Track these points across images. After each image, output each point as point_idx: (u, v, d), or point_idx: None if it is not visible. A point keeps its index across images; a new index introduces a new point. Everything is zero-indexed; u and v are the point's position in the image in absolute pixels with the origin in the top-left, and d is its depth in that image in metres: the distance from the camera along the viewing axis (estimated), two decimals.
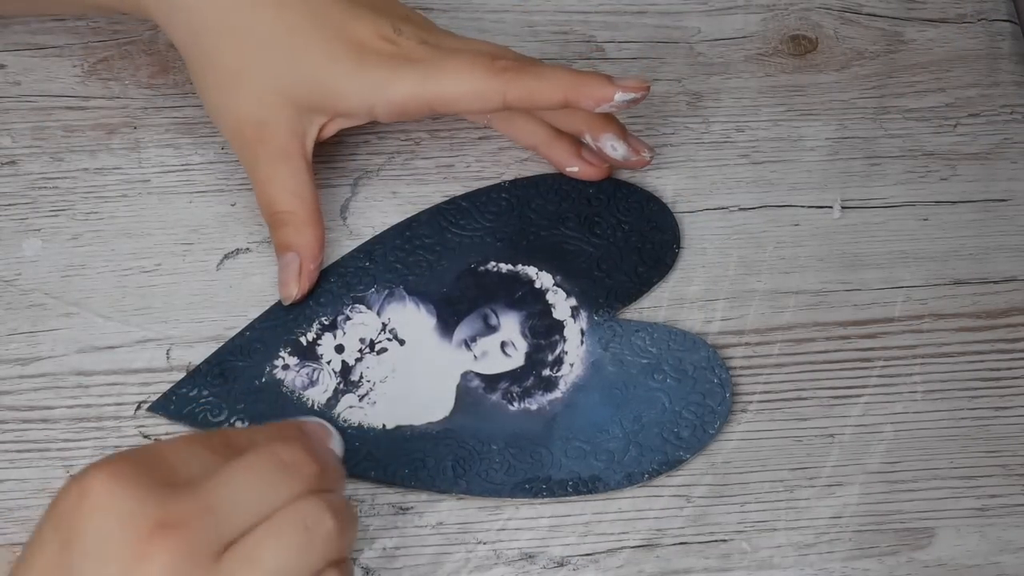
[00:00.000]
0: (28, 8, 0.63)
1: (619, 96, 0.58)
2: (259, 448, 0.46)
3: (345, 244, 0.62)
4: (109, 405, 0.59)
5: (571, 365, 0.60)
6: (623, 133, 0.62)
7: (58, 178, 0.63)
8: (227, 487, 0.45)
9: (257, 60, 0.58)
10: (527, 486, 0.57)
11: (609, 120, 0.62)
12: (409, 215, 0.63)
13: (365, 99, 0.58)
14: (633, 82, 0.58)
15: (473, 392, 0.59)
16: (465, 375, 0.60)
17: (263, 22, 0.58)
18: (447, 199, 0.63)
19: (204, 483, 0.45)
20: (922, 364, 0.61)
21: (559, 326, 0.61)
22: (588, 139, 0.62)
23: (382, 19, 0.59)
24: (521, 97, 0.58)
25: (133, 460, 0.45)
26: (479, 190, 0.63)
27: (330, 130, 0.60)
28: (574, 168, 0.63)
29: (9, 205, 0.63)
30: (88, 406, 0.59)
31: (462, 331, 0.60)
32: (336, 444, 0.52)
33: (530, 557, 0.57)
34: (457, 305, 0.61)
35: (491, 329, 0.61)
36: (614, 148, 0.62)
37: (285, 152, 0.59)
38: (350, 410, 0.58)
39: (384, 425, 0.58)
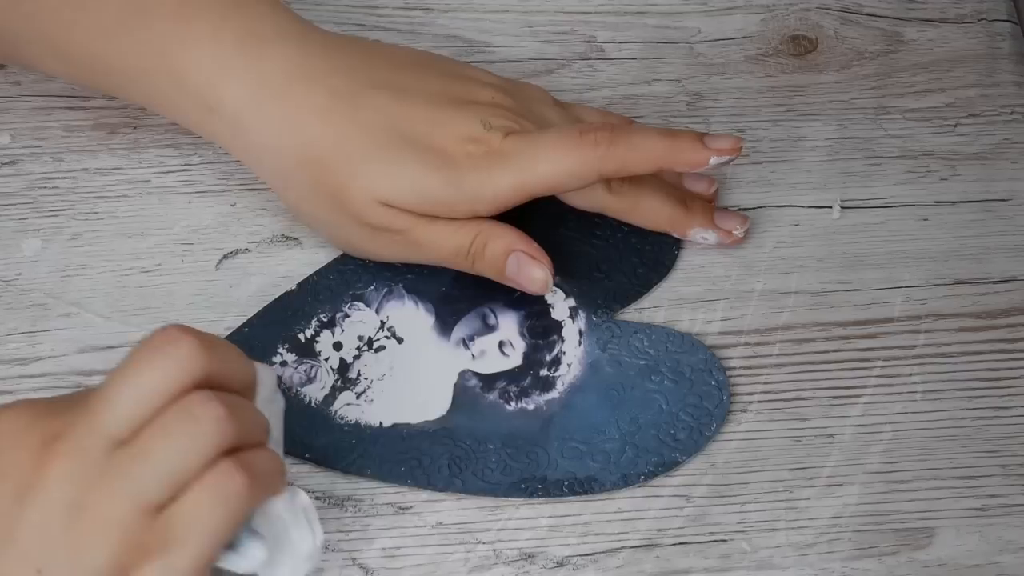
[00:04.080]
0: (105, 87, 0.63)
1: (713, 160, 0.58)
2: (136, 344, 0.47)
3: None
4: None
5: (569, 365, 0.60)
6: (709, 219, 0.62)
7: (58, 178, 0.64)
8: (107, 387, 0.46)
9: (356, 176, 0.58)
10: (523, 486, 0.57)
11: (693, 212, 0.62)
12: None
13: (467, 204, 0.58)
14: (727, 143, 0.59)
15: (470, 391, 0.59)
16: (463, 374, 0.60)
17: (352, 145, 0.58)
18: None
19: (86, 396, 0.47)
20: (922, 364, 0.61)
21: (557, 326, 0.61)
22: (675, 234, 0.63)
23: (466, 117, 0.59)
24: (616, 169, 0.58)
25: (34, 399, 0.48)
26: None
27: None
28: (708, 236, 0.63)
29: (9, 205, 0.63)
30: None
31: (460, 330, 0.60)
32: (264, 371, 0.52)
33: (530, 557, 0.57)
34: (456, 304, 0.61)
35: (489, 328, 0.61)
36: (705, 239, 0.62)
37: (416, 223, 0.59)
38: (347, 407, 0.59)
39: (381, 423, 0.58)
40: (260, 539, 0.48)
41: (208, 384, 0.47)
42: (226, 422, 0.47)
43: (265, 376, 0.51)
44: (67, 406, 0.47)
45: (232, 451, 0.47)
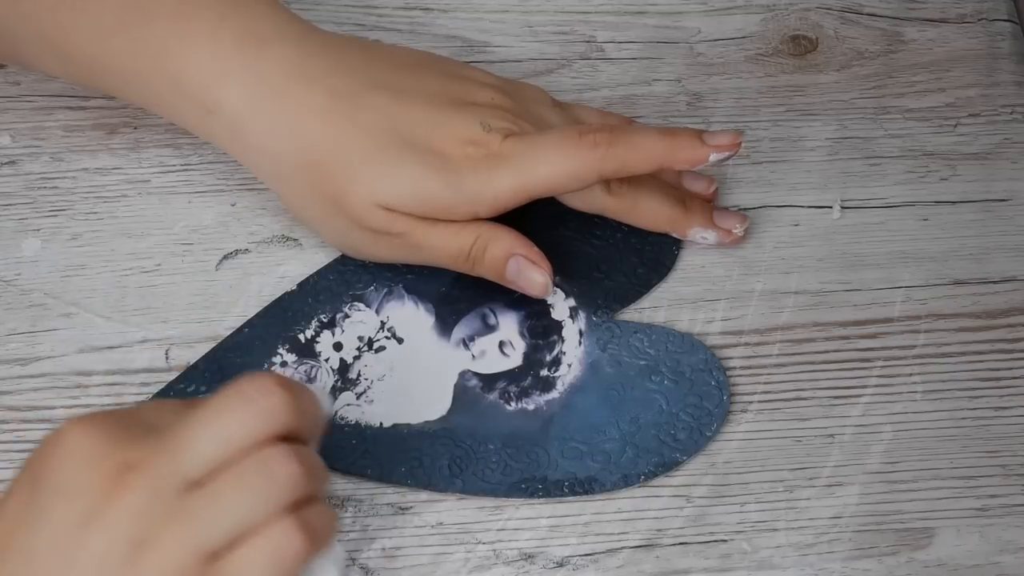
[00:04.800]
0: (94, 84, 0.62)
1: (713, 157, 0.58)
2: (226, 389, 0.47)
3: None
4: (109, 405, 0.59)
5: (569, 366, 0.60)
6: (709, 219, 0.62)
7: (58, 178, 0.64)
8: (190, 428, 0.46)
9: (356, 180, 0.58)
10: (523, 486, 0.57)
11: (693, 211, 0.62)
12: None
13: (467, 207, 0.58)
14: (726, 139, 0.59)
15: (471, 391, 0.59)
16: (463, 374, 0.60)
17: (352, 148, 0.58)
18: None
19: (169, 427, 0.46)
20: (922, 364, 0.61)
21: (557, 326, 0.61)
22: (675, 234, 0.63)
23: (465, 118, 0.59)
24: (616, 169, 0.58)
25: (107, 413, 0.47)
26: None
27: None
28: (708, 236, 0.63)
29: (9, 205, 0.63)
30: (88, 406, 0.59)
31: (460, 330, 0.60)
32: (324, 399, 0.52)
33: (530, 557, 0.57)
34: (456, 304, 0.61)
35: (489, 329, 0.61)
36: (705, 239, 0.62)
37: (417, 226, 0.59)
38: (347, 408, 0.59)
39: (381, 423, 0.58)
40: None
41: (286, 435, 0.47)
42: (300, 481, 0.46)
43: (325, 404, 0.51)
44: (144, 433, 0.46)
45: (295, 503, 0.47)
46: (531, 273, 0.59)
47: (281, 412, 0.47)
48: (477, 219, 0.59)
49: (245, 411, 0.46)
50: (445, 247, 0.59)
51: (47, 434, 0.47)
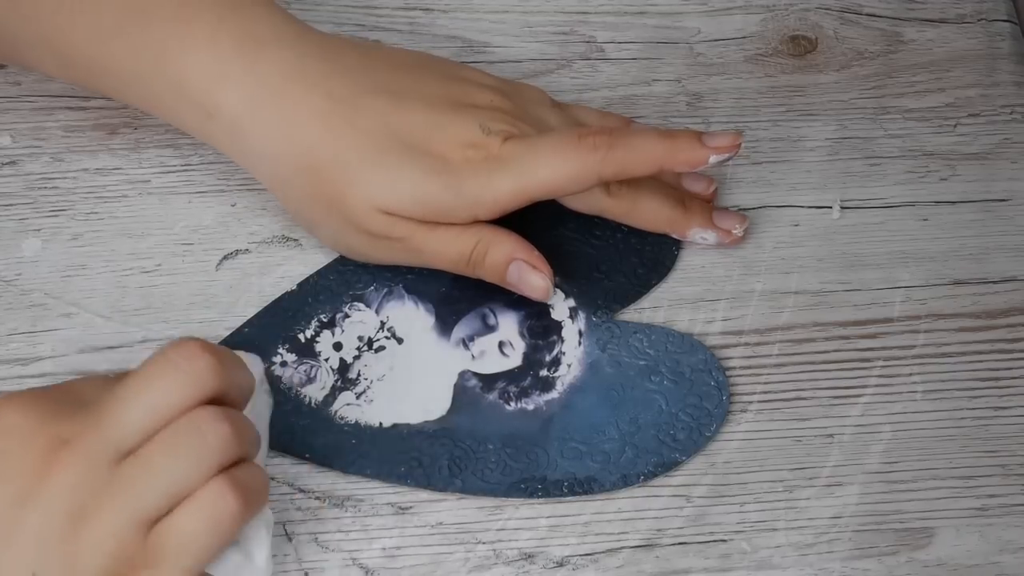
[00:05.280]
0: (90, 85, 0.62)
1: (713, 158, 0.58)
2: (152, 356, 0.47)
3: None
4: None
5: (568, 366, 0.60)
6: (708, 219, 0.62)
7: (58, 178, 0.64)
8: (119, 399, 0.47)
9: (355, 184, 0.58)
10: (523, 486, 0.57)
11: (692, 212, 0.62)
12: None
13: (467, 210, 0.58)
14: (725, 140, 0.59)
15: (470, 391, 0.59)
16: (463, 374, 0.60)
17: (351, 152, 0.58)
18: None
19: (98, 399, 0.47)
20: (921, 364, 0.61)
21: (557, 327, 0.61)
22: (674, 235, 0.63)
23: (464, 121, 0.59)
24: (616, 172, 0.58)
25: (38, 390, 0.48)
26: None
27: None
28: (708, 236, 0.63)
29: (9, 205, 0.63)
30: None
31: (460, 330, 0.60)
32: (254, 365, 0.52)
33: (529, 557, 0.57)
34: (456, 304, 0.61)
35: (489, 329, 0.61)
36: (704, 239, 0.62)
37: (417, 230, 0.59)
38: (347, 407, 0.59)
39: (381, 423, 0.58)
40: (235, 546, 0.49)
41: (215, 399, 0.48)
42: (231, 441, 0.47)
43: (255, 370, 0.51)
44: (75, 408, 0.47)
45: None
46: (532, 277, 0.59)
47: (208, 376, 0.47)
48: (477, 222, 0.59)
49: (172, 377, 0.47)
50: (445, 251, 0.59)
51: None
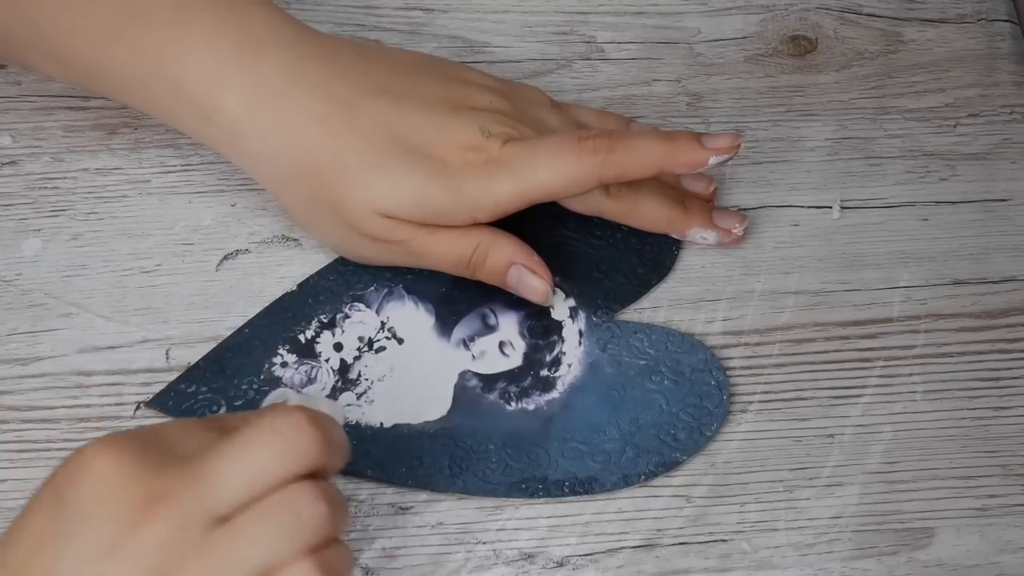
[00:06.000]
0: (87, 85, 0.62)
1: (712, 160, 0.58)
2: (257, 421, 0.46)
3: None
4: (109, 405, 0.59)
5: (569, 366, 0.60)
6: (708, 219, 0.62)
7: (58, 178, 0.64)
8: (219, 460, 0.45)
9: (355, 187, 0.58)
10: (523, 486, 0.57)
11: (692, 212, 0.62)
12: None
13: (467, 213, 0.58)
14: (725, 141, 0.59)
15: (471, 391, 0.59)
16: (463, 374, 0.60)
17: (351, 155, 0.57)
18: None
19: (198, 457, 0.46)
20: (922, 364, 0.61)
21: (557, 327, 0.61)
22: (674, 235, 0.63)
23: (464, 123, 0.59)
24: (616, 175, 0.58)
25: (133, 436, 0.46)
26: None
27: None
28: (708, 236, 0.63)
29: (9, 205, 0.63)
30: (88, 406, 0.59)
31: (461, 330, 0.60)
32: (338, 415, 0.51)
33: (530, 557, 0.57)
34: (456, 304, 0.61)
35: (489, 329, 0.61)
36: (704, 239, 0.62)
37: (416, 234, 0.59)
38: (348, 408, 0.59)
39: (382, 423, 0.58)
40: None
41: (313, 473, 0.47)
42: (326, 522, 0.46)
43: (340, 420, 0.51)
44: (172, 461, 0.46)
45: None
46: (531, 281, 0.59)
47: (311, 450, 0.46)
48: (477, 224, 0.59)
49: (276, 447, 0.46)
50: (445, 254, 0.59)
51: (72, 454, 0.46)
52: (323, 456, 0.47)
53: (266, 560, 0.45)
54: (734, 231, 0.63)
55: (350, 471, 0.57)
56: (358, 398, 0.59)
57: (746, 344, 0.61)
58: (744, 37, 0.70)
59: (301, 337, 0.60)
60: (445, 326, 0.61)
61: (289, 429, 0.46)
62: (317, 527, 0.46)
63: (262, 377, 0.59)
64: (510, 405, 0.59)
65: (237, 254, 0.62)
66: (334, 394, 0.59)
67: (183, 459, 0.46)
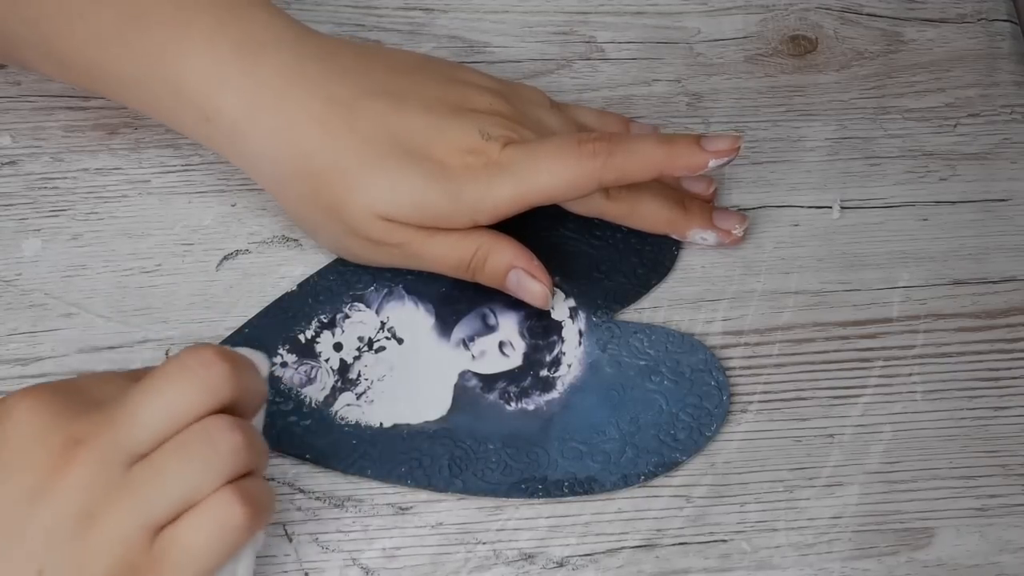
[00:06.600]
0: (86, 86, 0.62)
1: (712, 163, 0.58)
2: (168, 361, 0.48)
3: None
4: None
5: (569, 366, 0.60)
6: (708, 220, 0.62)
7: (58, 178, 0.64)
8: (134, 401, 0.47)
9: (355, 190, 0.58)
10: (523, 486, 0.57)
11: (692, 213, 0.62)
12: None
13: (467, 216, 0.58)
14: (725, 144, 0.59)
15: (471, 391, 0.59)
16: (463, 374, 0.60)
17: (350, 157, 0.57)
18: None
19: (113, 401, 0.47)
20: (921, 364, 0.61)
21: (557, 327, 0.61)
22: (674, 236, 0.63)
23: (464, 126, 0.58)
24: (616, 178, 0.58)
25: (52, 386, 0.48)
26: None
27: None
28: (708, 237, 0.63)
29: (9, 205, 0.63)
30: None
31: (460, 330, 0.60)
32: (261, 363, 0.52)
33: (529, 557, 0.57)
34: (456, 304, 0.61)
35: (489, 329, 0.61)
36: (704, 240, 0.62)
37: (416, 236, 0.59)
38: (347, 408, 0.59)
39: (381, 423, 0.58)
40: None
41: (228, 407, 0.48)
42: (242, 452, 0.47)
43: (262, 369, 0.51)
44: (89, 407, 0.47)
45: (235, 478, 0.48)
46: (531, 286, 0.59)
47: (223, 384, 0.47)
48: (476, 227, 0.59)
49: (188, 383, 0.47)
50: (445, 257, 0.59)
51: None
52: (235, 389, 0.48)
53: (186, 491, 0.46)
54: (734, 232, 0.63)
55: (350, 471, 0.57)
56: (358, 398, 0.59)
57: (746, 344, 0.61)
58: (744, 37, 0.70)
59: (301, 337, 0.60)
60: (445, 326, 0.61)
61: (199, 365, 0.47)
62: (234, 457, 0.47)
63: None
64: (510, 405, 0.59)
65: (237, 254, 0.63)
66: (334, 394, 0.59)
67: (100, 404, 0.47)
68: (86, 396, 0.48)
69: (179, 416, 0.47)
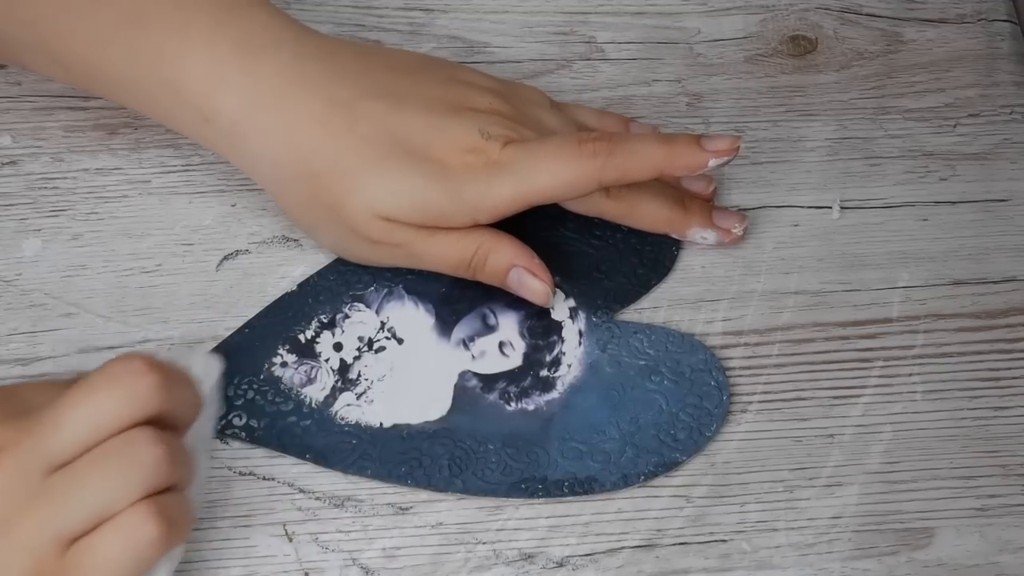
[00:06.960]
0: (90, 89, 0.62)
1: (712, 162, 0.58)
2: (98, 370, 0.47)
3: None
4: None
5: (569, 366, 0.60)
6: (708, 219, 0.62)
7: (58, 178, 0.64)
8: (59, 409, 0.47)
9: (355, 190, 0.58)
10: (523, 486, 0.57)
11: (692, 212, 0.62)
12: None
13: (467, 216, 0.58)
14: (724, 143, 0.59)
15: (470, 391, 0.59)
16: (463, 374, 0.60)
17: (350, 158, 0.57)
18: None
19: (41, 409, 0.47)
20: (921, 364, 0.61)
21: (557, 327, 0.61)
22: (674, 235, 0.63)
23: (464, 125, 0.58)
24: (616, 178, 0.58)
25: None
26: None
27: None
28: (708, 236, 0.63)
29: (9, 205, 0.63)
30: None
31: (460, 330, 0.61)
32: (200, 367, 0.51)
33: (529, 557, 0.57)
34: (456, 304, 0.61)
35: (489, 329, 0.61)
36: (704, 239, 0.62)
37: (416, 236, 0.59)
38: (347, 408, 0.59)
39: (381, 423, 0.58)
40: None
41: (156, 420, 0.48)
42: (163, 466, 0.47)
43: (213, 372, 0.51)
44: (17, 414, 0.47)
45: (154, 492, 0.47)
46: (532, 284, 0.59)
47: (150, 396, 0.47)
48: (477, 226, 0.59)
49: (114, 393, 0.47)
50: (445, 256, 0.59)
51: None
52: (164, 401, 0.47)
53: (102, 503, 0.46)
54: (734, 231, 0.63)
55: (350, 471, 0.57)
56: (358, 398, 0.59)
57: (746, 344, 0.61)
58: (744, 37, 0.70)
59: (301, 337, 0.60)
60: (445, 326, 0.61)
61: (127, 375, 0.47)
62: (154, 472, 0.47)
63: (262, 377, 0.59)
64: (510, 405, 0.59)
65: (237, 254, 0.63)
66: (334, 394, 0.59)
67: (28, 411, 0.47)
68: (19, 404, 0.48)
69: (102, 426, 0.46)
